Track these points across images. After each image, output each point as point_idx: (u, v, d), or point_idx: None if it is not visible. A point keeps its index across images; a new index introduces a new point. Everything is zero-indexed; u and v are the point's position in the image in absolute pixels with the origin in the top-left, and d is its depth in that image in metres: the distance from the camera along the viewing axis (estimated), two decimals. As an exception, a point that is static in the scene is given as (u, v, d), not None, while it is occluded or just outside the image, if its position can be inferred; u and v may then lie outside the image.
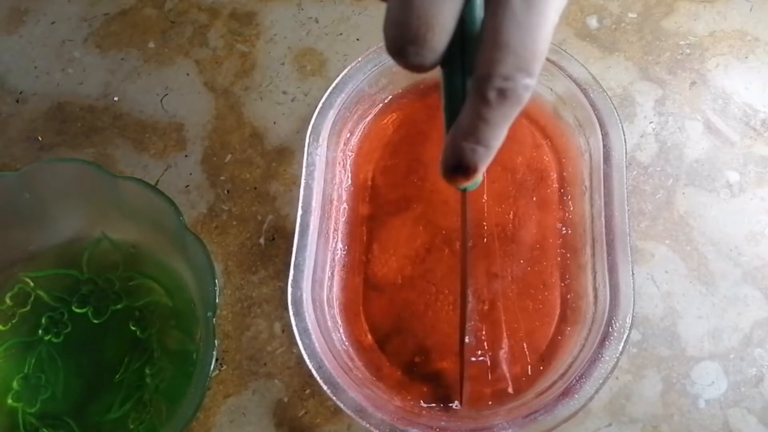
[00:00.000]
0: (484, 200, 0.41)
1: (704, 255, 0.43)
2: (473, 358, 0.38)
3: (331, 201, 0.40)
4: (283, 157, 0.45)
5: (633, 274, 0.36)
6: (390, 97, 0.44)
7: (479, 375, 0.38)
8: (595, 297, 0.38)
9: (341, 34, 0.48)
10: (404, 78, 0.43)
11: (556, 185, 0.42)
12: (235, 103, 0.47)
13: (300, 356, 0.35)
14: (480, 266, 0.40)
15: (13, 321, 0.41)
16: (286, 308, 0.36)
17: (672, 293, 0.42)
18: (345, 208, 0.41)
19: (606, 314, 0.36)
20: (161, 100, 0.47)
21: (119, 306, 0.41)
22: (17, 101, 0.47)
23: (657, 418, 0.40)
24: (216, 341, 0.35)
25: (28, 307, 0.41)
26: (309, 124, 0.40)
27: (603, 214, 0.38)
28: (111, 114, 0.46)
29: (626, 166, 0.39)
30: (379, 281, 0.40)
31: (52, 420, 0.39)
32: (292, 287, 0.36)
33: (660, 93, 0.46)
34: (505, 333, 0.39)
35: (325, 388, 0.35)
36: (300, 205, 0.38)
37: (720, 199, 0.44)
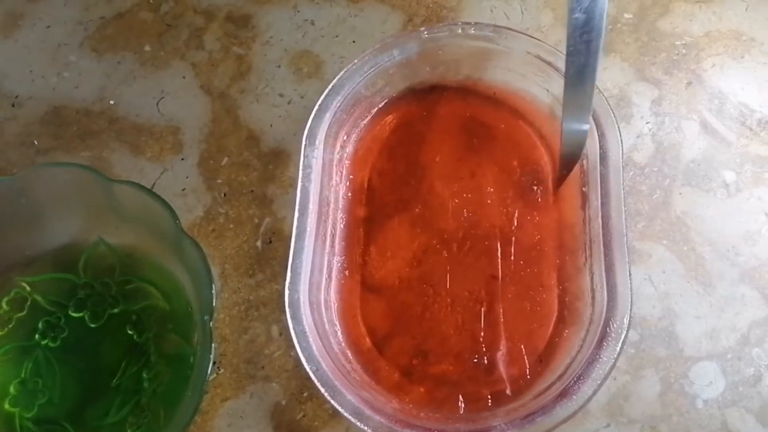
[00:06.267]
0: (481, 202, 0.41)
1: (701, 255, 0.43)
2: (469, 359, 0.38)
3: (328, 203, 0.40)
4: (280, 160, 0.45)
5: (630, 274, 0.36)
6: (386, 99, 0.44)
7: (477, 376, 0.38)
8: (593, 298, 0.38)
9: (337, 36, 0.48)
10: (401, 80, 0.43)
11: (552, 186, 0.42)
12: (231, 106, 0.47)
13: (298, 359, 0.35)
14: (478, 268, 0.40)
15: (10, 325, 0.40)
16: (284, 311, 0.36)
17: (669, 293, 0.42)
18: (342, 210, 0.41)
19: (603, 315, 0.36)
20: (157, 104, 0.47)
21: (116, 310, 0.41)
22: (13, 105, 0.47)
23: (655, 418, 0.40)
24: (213, 345, 0.35)
25: (25, 312, 0.41)
26: (305, 126, 0.40)
27: (600, 215, 0.38)
28: (107, 118, 0.46)
29: (623, 167, 0.39)
30: (376, 283, 0.40)
31: (49, 425, 0.39)
32: (289, 290, 0.36)
33: (656, 93, 0.46)
34: (503, 334, 0.39)
35: (322, 390, 0.35)
36: (297, 207, 0.38)
37: (717, 199, 0.44)
